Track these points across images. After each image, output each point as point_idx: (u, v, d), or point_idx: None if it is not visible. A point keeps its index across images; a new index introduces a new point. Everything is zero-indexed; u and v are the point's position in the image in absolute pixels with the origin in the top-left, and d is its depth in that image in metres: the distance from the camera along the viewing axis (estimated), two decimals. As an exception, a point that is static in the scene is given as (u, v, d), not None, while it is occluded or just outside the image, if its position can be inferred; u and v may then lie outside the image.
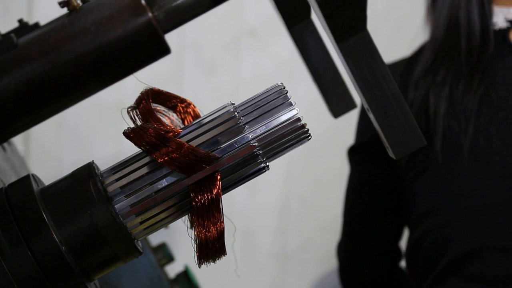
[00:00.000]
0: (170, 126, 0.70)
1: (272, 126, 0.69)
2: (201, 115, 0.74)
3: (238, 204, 1.93)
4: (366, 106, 0.75)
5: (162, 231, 0.76)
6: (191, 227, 0.70)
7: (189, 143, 0.68)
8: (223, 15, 1.88)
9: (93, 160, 0.71)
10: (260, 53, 1.94)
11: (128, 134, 0.69)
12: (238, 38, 1.93)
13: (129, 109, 0.73)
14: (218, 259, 0.69)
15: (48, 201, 0.68)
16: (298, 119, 0.69)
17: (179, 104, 0.75)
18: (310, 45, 0.98)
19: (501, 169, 1.33)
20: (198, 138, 0.68)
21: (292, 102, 0.69)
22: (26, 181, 0.69)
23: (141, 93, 0.74)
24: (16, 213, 0.67)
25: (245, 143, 0.68)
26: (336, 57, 0.80)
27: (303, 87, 1.73)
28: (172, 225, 0.73)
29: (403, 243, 1.55)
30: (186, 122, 0.74)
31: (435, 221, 1.38)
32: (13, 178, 0.89)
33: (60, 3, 0.72)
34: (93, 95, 0.75)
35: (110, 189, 0.68)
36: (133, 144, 0.69)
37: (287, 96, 0.69)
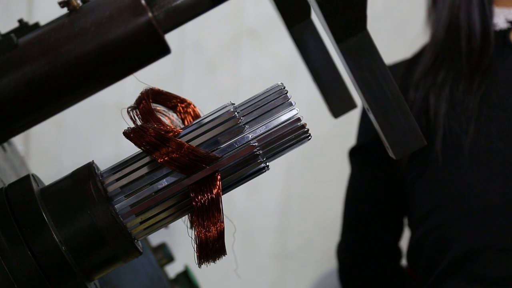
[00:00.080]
0: (170, 126, 0.70)
1: (272, 126, 0.69)
2: (201, 115, 0.74)
3: (238, 204, 1.93)
4: (366, 106, 0.75)
5: (162, 231, 0.76)
6: (191, 227, 0.70)
7: (189, 143, 0.68)
8: (223, 15, 1.88)
9: (93, 160, 0.71)
10: (260, 53, 1.94)
11: (128, 134, 0.69)
12: (238, 38, 1.93)
13: (129, 109, 0.73)
14: (218, 259, 0.69)
15: (48, 201, 0.68)
16: (298, 119, 0.69)
17: (179, 104, 0.75)
18: (310, 45, 0.98)
19: (501, 169, 1.33)
20: (198, 138, 0.68)
21: (292, 102, 0.69)
22: (26, 181, 0.69)
23: (141, 93, 0.74)
24: (16, 213, 0.67)
25: (245, 143, 0.68)
26: (336, 57, 0.80)
27: (303, 87, 1.73)
28: (172, 225, 0.73)
29: (404, 244, 1.55)
30: (186, 122, 0.74)
31: (436, 222, 1.38)
32: (13, 178, 0.89)
33: (60, 3, 0.72)
34: (93, 95, 0.75)
35: (110, 189, 0.68)
36: (133, 144, 0.69)
37: (287, 96, 0.69)
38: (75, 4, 0.72)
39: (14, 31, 0.81)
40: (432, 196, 1.39)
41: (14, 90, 0.71)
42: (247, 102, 0.70)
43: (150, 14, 0.71)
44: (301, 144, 0.70)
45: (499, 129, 1.34)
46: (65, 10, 0.73)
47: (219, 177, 0.68)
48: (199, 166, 0.67)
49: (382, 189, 1.51)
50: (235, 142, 0.68)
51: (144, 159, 0.69)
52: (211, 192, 0.68)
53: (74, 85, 0.72)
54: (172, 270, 1.27)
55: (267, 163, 0.70)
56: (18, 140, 1.45)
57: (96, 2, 0.72)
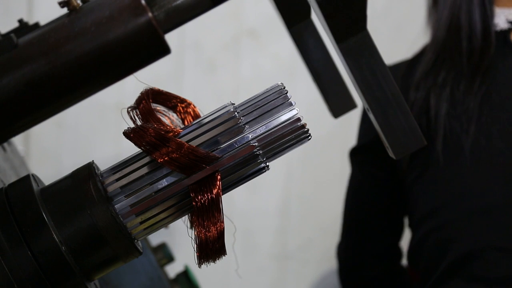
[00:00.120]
0: (170, 126, 0.70)
1: (272, 126, 0.69)
2: (201, 115, 0.74)
3: (238, 204, 1.93)
4: (366, 106, 0.75)
5: (162, 231, 0.76)
6: (191, 227, 0.70)
7: (189, 143, 0.68)
8: (223, 15, 1.88)
9: (93, 160, 0.71)
10: (260, 53, 1.94)
11: (128, 134, 0.69)
12: (238, 38, 1.93)
13: (129, 109, 0.73)
14: (218, 259, 0.69)
15: (48, 201, 0.68)
16: (298, 119, 0.69)
17: (179, 104, 0.75)
18: (310, 45, 0.98)
19: (502, 169, 1.33)
20: (198, 138, 0.68)
21: (292, 102, 0.69)
22: (26, 181, 0.69)
23: (141, 93, 0.74)
24: (16, 213, 0.67)
25: (245, 143, 0.68)
26: (336, 57, 0.80)
27: (303, 87, 1.73)
28: (172, 225, 0.73)
29: (404, 244, 1.55)
30: (186, 122, 0.74)
31: (437, 222, 1.38)
32: (13, 178, 0.89)
33: (60, 3, 0.72)
34: (93, 95, 0.75)
35: (110, 189, 0.68)
36: (133, 144, 0.69)
37: (287, 96, 0.69)
38: (75, 4, 0.72)
39: (14, 31, 0.81)
40: (433, 196, 1.39)
41: (14, 90, 0.71)
42: (247, 102, 0.70)
43: (150, 14, 0.71)
44: (301, 144, 0.70)
45: (499, 130, 1.34)
46: (65, 10, 0.73)
47: (219, 177, 0.68)
48: (199, 166, 0.67)
49: (383, 190, 1.51)
50: (235, 142, 0.68)
51: (144, 159, 0.69)
52: (211, 192, 0.68)
53: (74, 85, 0.72)
54: (172, 270, 1.27)
55: (267, 163, 0.70)
56: (18, 140, 1.45)
57: (96, 2, 0.72)
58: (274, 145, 0.69)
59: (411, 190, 1.43)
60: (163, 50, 0.73)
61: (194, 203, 0.68)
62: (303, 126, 0.69)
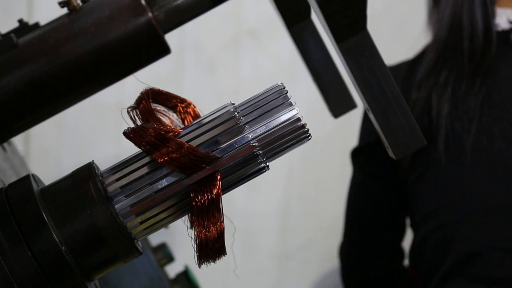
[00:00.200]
0: (170, 126, 0.70)
1: (272, 126, 0.69)
2: (201, 115, 0.74)
3: (238, 204, 1.93)
4: (366, 106, 0.75)
5: (162, 231, 0.76)
6: (191, 227, 0.70)
7: (189, 143, 0.68)
8: (223, 15, 1.88)
9: (93, 160, 0.71)
10: (260, 53, 1.94)
11: (128, 134, 0.69)
12: (238, 38, 1.93)
13: (129, 109, 0.73)
14: (218, 259, 0.69)
15: (48, 201, 0.68)
16: (298, 119, 0.69)
17: (179, 104, 0.75)
18: (310, 45, 0.98)
19: (503, 169, 1.33)
20: (198, 138, 0.68)
21: (292, 102, 0.69)
22: (26, 181, 0.69)
23: (141, 93, 0.74)
24: (16, 213, 0.67)
25: (245, 143, 0.68)
26: (336, 57, 0.80)
27: (303, 87, 1.73)
28: (172, 225, 0.73)
29: (406, 244, 1.55)
30: (186, 122, 0.74)
31: (438, 222, 1.38)
32: (13, 178, 0.89)
33: (60, 3, 0.72)
34: (93, 95, 0.75)
35: (110, 189, 0.68)
36: (133, 144, 0.69)
37: (287, 96, 0.69)
38: (75, 4, 0.72)
39: (14, 31, 0.81)
40: (434, 197, 1.39)
41: (14, 90, 0.71)
42: (247, 102, 0.70)
43: (150, 14, 0.71)
44: (301, 144, 0.70)
45: (501, 130, 1.34)
46: (65, 10, 0.73)
47: (219, 177, 0.68)
48: (199, 166, 0.67)
49: (385, 190, 1.51)
50: (235, 142, 0.68)
51: (144, 159, 0.69)
52: (211, 192, 0.68)
53: (74, 85, 0.72)
54: (172, 270, 1.27)
55: (267, 163, 0.69)
56: (18, 140, 1.45)
57: (96, 2, 0.72)
58: (274, 145, 0.69)
59: (413, 190, 1.43)
60: (163, 50, 0.73)
61: (194, 203, 0.68)
62: (303, 126, 0.69)
